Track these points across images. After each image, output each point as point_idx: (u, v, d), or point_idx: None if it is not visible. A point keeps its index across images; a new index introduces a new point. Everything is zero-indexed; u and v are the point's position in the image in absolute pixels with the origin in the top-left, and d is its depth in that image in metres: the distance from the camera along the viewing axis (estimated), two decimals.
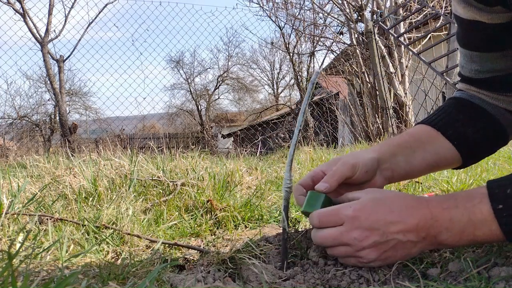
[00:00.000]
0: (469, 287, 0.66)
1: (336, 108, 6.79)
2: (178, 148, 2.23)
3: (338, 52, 6.96)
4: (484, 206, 0.65)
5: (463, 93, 1.00)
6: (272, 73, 20.03)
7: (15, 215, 1.07)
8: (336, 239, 0.72)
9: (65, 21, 8.54)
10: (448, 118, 0.95)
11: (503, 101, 0.94)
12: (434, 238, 0.69)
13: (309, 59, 9.32)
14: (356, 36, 5.51)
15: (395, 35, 4.63)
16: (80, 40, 8.67)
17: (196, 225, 1.15)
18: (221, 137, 13.62)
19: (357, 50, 5.37)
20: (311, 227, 1.02)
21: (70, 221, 1.06)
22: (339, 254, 0.75)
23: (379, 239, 0.69)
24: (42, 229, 1.02)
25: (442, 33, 4.72)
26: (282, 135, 8.07)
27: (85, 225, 1.03)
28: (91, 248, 0.91)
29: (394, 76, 4.95)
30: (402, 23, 5.04)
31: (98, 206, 1.25)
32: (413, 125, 1.07)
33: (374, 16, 5.34)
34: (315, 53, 8.96)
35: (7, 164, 2.98)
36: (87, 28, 8.71)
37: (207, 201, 1.26)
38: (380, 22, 4.67)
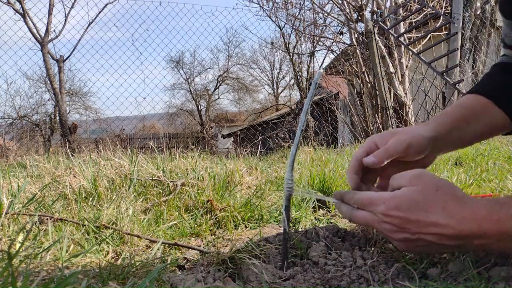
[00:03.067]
0: (469, 287, 0.66)
1: (336, 108, 6.79)
2: (178, 148, 2.23)
3: (338, 52, 6.96)
4: None
5: (508, 58, 1.01)
6: (272, 73, 20.06)
7: (15, 215, 1.07)
8: (368, 224, 0.74)
9: (65, 21, 8.56)
10: (498, 85, 0.95)
11: None
12: (478, 246, 0.66)
13: (309, 59, 9.32)
14: (356, 36, 5.51)
15: (395, 35, 4.63)
16: (80, 40, 8.71)
17: (196, 225, 1.15)
18: (221, 137, 13.61)
19: (357, 50, 5.37)
20: (311, 228, 1.02)
21: (70, 221, 1.06)
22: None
23: (410, 236, 0.68)
24: (42, 229, 1.02)
25: (442, 33, 4.72)
26: (282, 135, 8.07)
27: (85, 225, 1.03)
28: (91, 248, 0.91)
29: (394, 76, 4.94)
30: (402, 23, 5.03)
31: (98, 206, 1.25)
32: (462, 94, 1.08)
33: (374, 16, 5.34)
34: (315, 53, 8.97)
35: (7, 164, 2.98)
36: (87, 28, 8.73)
37: (207, 201, 1.26)
38: (380, 22, 4.67)
